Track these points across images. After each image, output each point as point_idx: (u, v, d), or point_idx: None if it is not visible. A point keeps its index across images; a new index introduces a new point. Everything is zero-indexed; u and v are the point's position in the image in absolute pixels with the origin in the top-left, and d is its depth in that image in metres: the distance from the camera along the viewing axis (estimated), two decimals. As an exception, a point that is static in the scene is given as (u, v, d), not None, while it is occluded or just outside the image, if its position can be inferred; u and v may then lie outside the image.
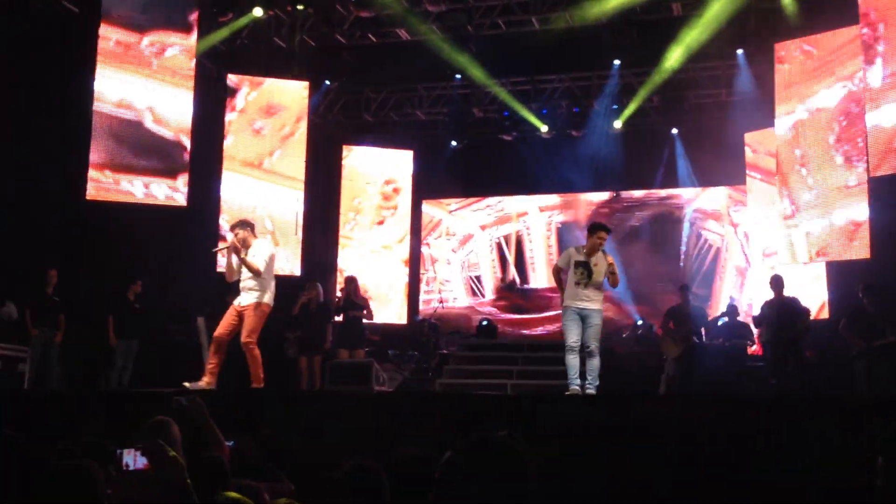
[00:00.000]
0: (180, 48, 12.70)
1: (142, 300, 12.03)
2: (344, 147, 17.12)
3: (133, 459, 2.68)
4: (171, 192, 12.50)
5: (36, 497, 2.57)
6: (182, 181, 12.56)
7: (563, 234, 17.28)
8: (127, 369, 11.62)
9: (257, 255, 8.69)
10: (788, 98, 12.61)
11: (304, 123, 14.39)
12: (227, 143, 13.86)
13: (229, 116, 13.95)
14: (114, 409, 7.57)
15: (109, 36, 12.25)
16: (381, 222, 17.25)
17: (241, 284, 8.74)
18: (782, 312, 10.73)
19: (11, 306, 10.86)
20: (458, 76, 15.52)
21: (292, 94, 14.44)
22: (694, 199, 16.71)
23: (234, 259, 8.72)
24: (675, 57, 13.79)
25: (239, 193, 13.87)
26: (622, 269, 10.44)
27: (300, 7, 13.75)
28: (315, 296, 11.95)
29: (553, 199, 17.66)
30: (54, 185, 12.01)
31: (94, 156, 11.96)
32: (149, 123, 12.45)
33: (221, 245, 8.53)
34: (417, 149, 17.39)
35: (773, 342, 10.82)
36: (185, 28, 12.76)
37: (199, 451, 4.44)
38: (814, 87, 12.30)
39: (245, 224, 8.80)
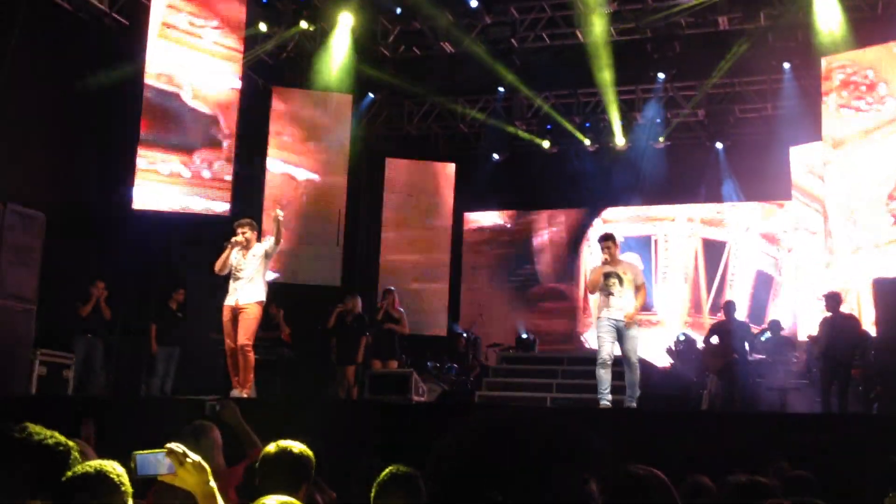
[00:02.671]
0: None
1: (184, 309, 12.14)
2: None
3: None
4: (213, 202, 12.57)
5: (57, 499, 2.56)
6: (225, 190, 12.66)
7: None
8: (169, 377, 11.73)
9: (267, 245, 8.67)
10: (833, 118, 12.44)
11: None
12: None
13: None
14: (155, 415, 7.67)
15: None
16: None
17: (237, 283, 8.52)
18: (837, 330, 10.53)
19: None
20: (501, 89, 15.51)
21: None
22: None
23: (234, 255, 8.57)
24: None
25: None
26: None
27: (344, 20, 13.85)
28: (353, 307, 11.94)
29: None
30: (101, 195, 12.13)
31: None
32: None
33: (233, 240, 8.59)
34: (459, 161, 17.37)
35: (823, 360, 10.61)
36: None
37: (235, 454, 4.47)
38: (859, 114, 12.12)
39: (253, 226, 8.78)
